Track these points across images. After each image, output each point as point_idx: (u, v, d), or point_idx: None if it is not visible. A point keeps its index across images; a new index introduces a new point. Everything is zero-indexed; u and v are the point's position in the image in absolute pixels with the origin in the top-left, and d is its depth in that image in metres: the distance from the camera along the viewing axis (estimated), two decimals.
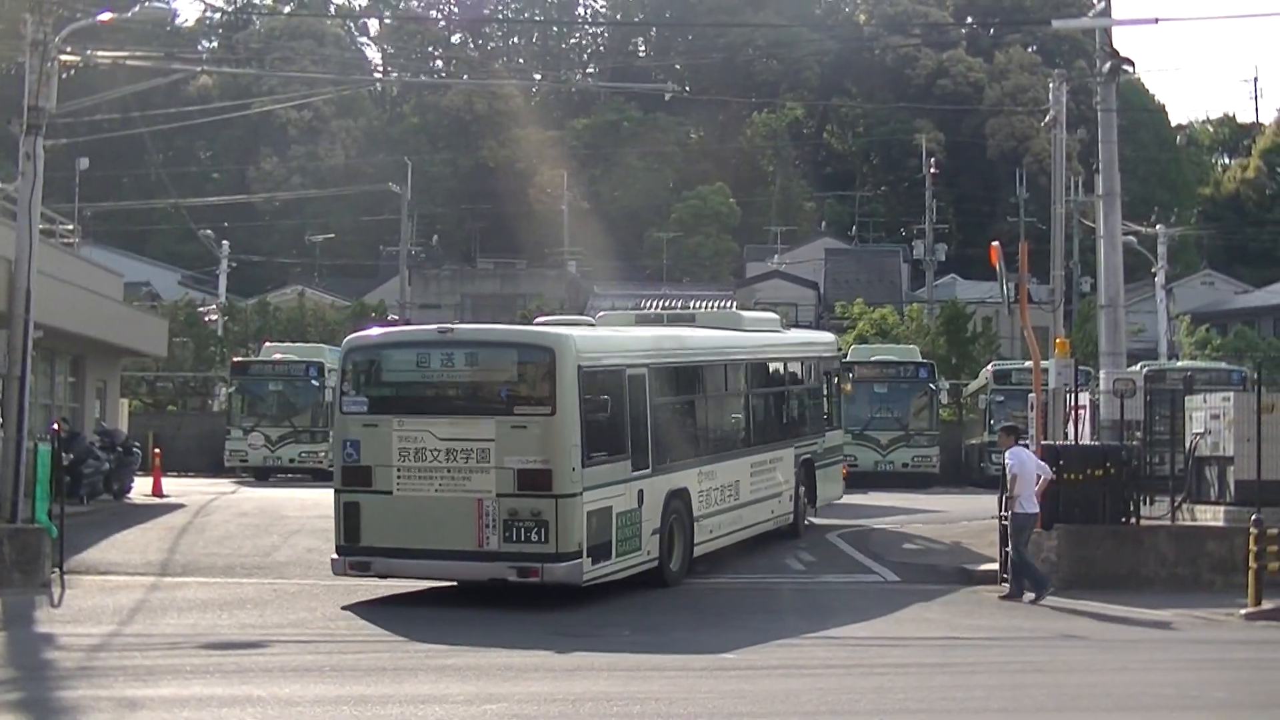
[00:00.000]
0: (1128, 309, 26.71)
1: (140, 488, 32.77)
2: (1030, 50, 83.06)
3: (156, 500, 31.50)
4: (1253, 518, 19.04)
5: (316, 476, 39.60)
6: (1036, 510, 19.72)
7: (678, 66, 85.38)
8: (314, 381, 41.01)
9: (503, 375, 18.37)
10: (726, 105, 78.45)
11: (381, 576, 18.58)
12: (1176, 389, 26.24)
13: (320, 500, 28.64)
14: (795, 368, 26.17)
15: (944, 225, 68.03)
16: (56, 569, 19.82)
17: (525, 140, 78.43)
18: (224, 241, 59.30)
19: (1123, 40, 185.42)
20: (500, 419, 17.67)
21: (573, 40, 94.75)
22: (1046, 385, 23.52)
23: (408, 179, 57.79)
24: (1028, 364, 28.49)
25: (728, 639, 15.95)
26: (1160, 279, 52.16)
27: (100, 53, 27.44)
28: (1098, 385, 24.77)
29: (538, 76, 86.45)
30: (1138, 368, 32.98)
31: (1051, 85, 27.55)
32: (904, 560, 22.75)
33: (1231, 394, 23.52)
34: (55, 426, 23.43)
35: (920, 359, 42.52)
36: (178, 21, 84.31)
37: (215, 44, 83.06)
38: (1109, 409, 23.15)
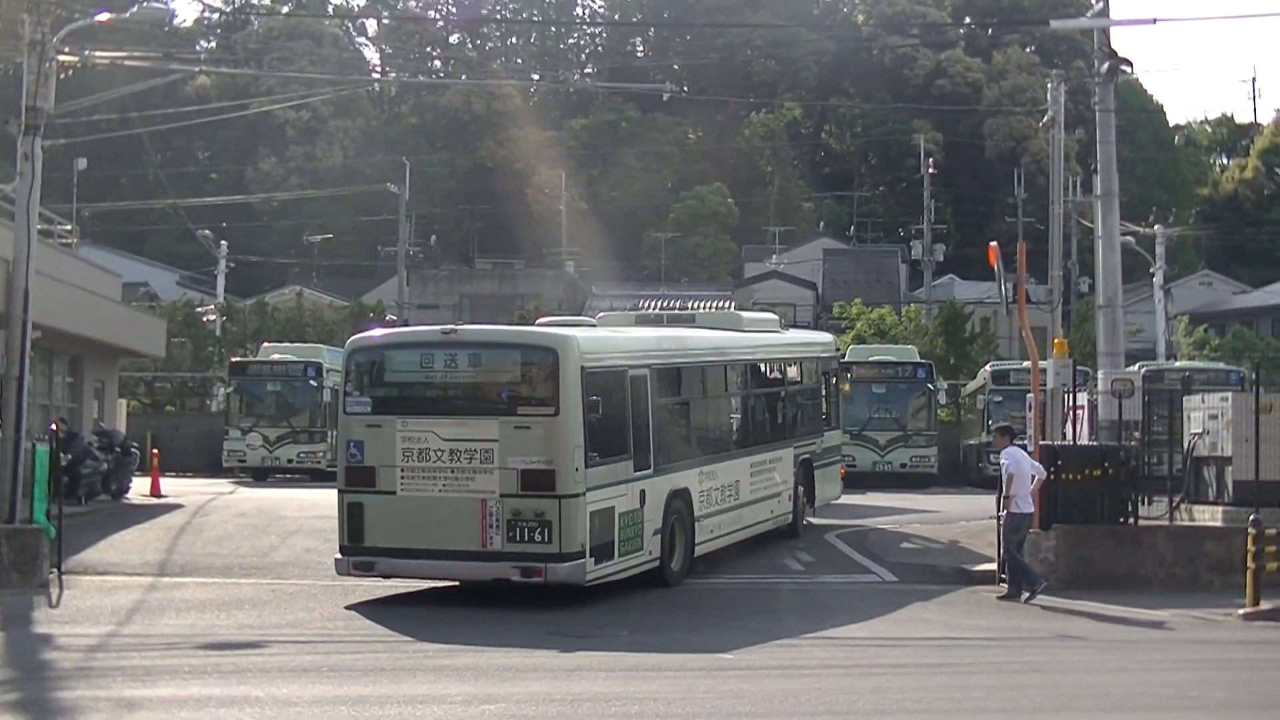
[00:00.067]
0: (1126, 309, 26.71)
1: (138, 488, 32.77)
2: (1028, 50, 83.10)
3: (155, 500, 31.50)
4: (1251, 518, 19.04)
5: (315, 477, 39.62)
6: (1032, 510, 19.74)
7: (676, 67, 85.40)
8: (312, 382, 41.03)
9: (506, 376, 18.40)
10: (725, 105, 78.48)
11: (385, 576, 18.62)
12: (1175, 389, 26.25)
13: (318, 501, 28.66)
14: (794, 368, 26.20)
15: (942, 225, 68.09)
16: (54, 569, 19.82)
17: (523, 140, 78.44)
18: (222, 242, 59.28)
19: (1121, 40, 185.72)
20: (504, 419, 17.72)
21: (571, 40, 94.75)
22: (1045, 385, 23.51)
23: (406, 179, 57.83)
24: (1026, 364, 28.46)
25: (726, 639, 15.95)
26: (1158, 279, 52.18)
27: (98, 53, 27.44)
28: (1096, 385, 24.80)
29: (536, 77, 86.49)
30: (1136, 368, 32.98)
31: (1050, 85, 27.58)
32: (902, 560, 22.75)
33: (1230, 394, 23.55)
34: (53, 427, 23.43)
35: (918, 359, 42.54)
36: (176, 22, 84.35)
37: (213, 44, 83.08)
38: (1107, 409, 23.17)
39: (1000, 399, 39.45)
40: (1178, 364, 43.29)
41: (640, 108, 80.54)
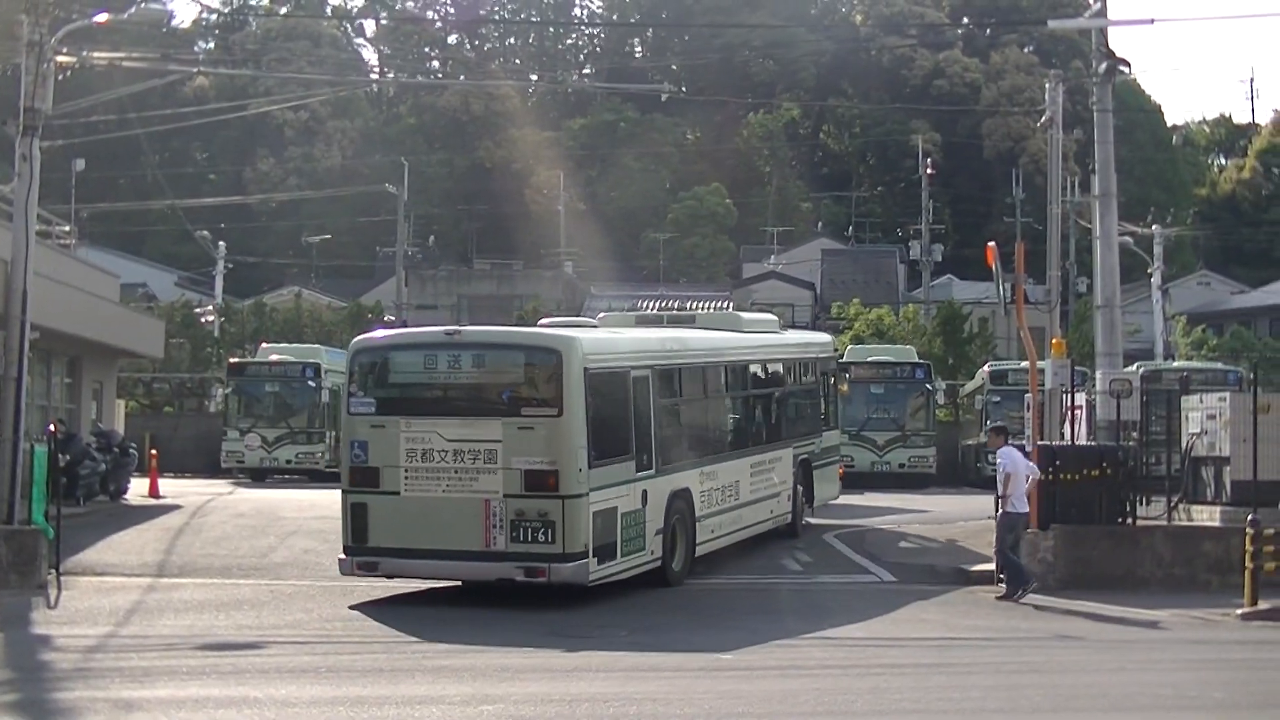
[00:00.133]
0: (1124, 309, 26.76)
1: (137, 489, 32.77)
2: (1026, 51, 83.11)
3: (153, 501, 31.50)
4: (1249, 518, 19.05)
5: (313, 477, 39.64)
6: (1028, 510, 19.76)
7: (674, 67, 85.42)
8: (310, 382, 41.04)
9: (510, 377, 18.43)
10: (723, 106, 78.46)
11: (389, 577, 18.66)
12: (1173, 389, 26.28)
13: (317, 501, 28.68)
14: (794, 368, 26.24)
15: (940, 226, 68.14)
16: (53, 570, 19.81)
17: (522, 141, 78.45)
18: (220, 242, 59.27)
19: (1119, 41, 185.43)
20: (507, 420, 17.76)
21: (569, 41, 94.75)
22: (1043, 386, 23.52)
23: (404, 180, 57.85)
24: (1024, 364, 28.48)
25: (725, 639, 15.95)
26: (1156, 279, 52.21)
27: (97, 54, 27.46)
28: (1094, 386, 24.82)
29: (534, 77, 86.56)
30: (1134, 368, 33.03)
31: (1048, 86, 27.59)
32: (900, 560, 22.76)
33: (1228, 394, 23.59)
34: (52, 428, 23.40)
35: (917, 359, 42.56)
36: (174, 23, 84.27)
37: (212, 45, 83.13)
38: (1105, 409, 23.19)
39: (998, 399, 39.45)
40: (1176, 364, 43.29)
41: (638, 108, 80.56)
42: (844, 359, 38.20)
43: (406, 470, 17.96)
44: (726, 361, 23.02)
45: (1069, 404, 23.50)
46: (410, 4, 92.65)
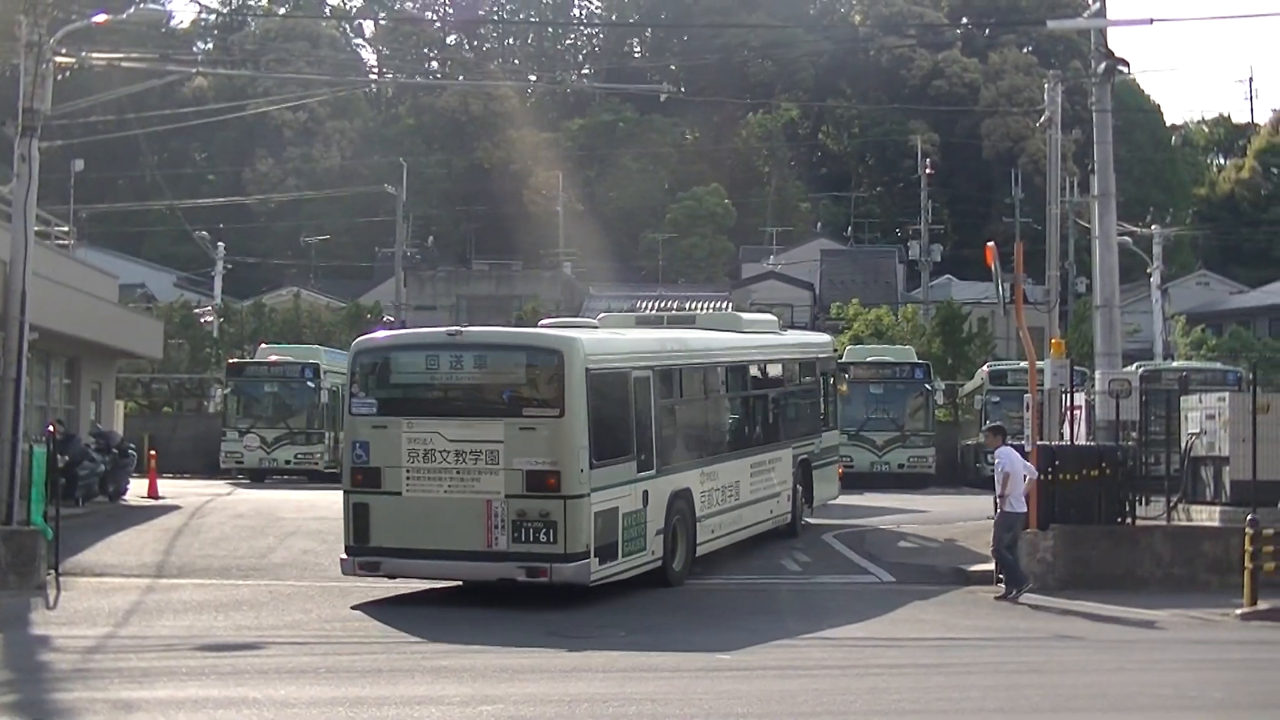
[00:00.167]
0: (1123, 309, 26.77)
1: (136, 489, 32.75)
2: (1025, 51, 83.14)
3: (152, 502, 31.48)
4: (1248, 518, 19.05)
5: (312, 478, 39.65)
6: (1025, 510, 19.76)
7: (673, 67, 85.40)
8: (309, 383, 41.04)
9: (511, 377, 18.44)
10: (722, 106, 78.46)
11: (391, 577, 18.67)
12: (1172, 389, 26.33)
13: (316, 502, 28.69)
14: (793, 369, 26.25)
15: (939, 226, 68.13)
16: (52, 571, 19.80)
17: (520, 141, 78.45)
18: (219, 243, 59.27)
19: (1118, 41, 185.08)
20: (509, 421, 17.78)
21: (568, 41, 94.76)
22: (1042, 386, 23.52)
23: (403, 180, 57.85)
24: (1023, 364, 28.51)
25: (724, 639, 15.95)
26: (1155, 279, 52.21)
27: (95, 54, 27.40)
28: (1093, 385, 24.82)
29: (533, 77, 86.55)
30: (1133, 368, 33.04)
31: (1047, 86, 27.61)
32: (899, 561, 22.75)
33: (1227, 394, 23.60)
34: (50, 428, 23.38)
35: (916, 360, 42.55)
36: (173, 23, 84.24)
37: (210, 46, 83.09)
38: (1104, 409, 23.19)
39: (998, 399, 39.42)
40: (1175, 364, 43.30)
41: (637, 108, 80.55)
42: (843, 359, 38.21)
43: (408, 470, 17.97)
44: (727, 362, 23.04)
45: (1068, 404, 23.51)
46: (409, 4, 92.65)
